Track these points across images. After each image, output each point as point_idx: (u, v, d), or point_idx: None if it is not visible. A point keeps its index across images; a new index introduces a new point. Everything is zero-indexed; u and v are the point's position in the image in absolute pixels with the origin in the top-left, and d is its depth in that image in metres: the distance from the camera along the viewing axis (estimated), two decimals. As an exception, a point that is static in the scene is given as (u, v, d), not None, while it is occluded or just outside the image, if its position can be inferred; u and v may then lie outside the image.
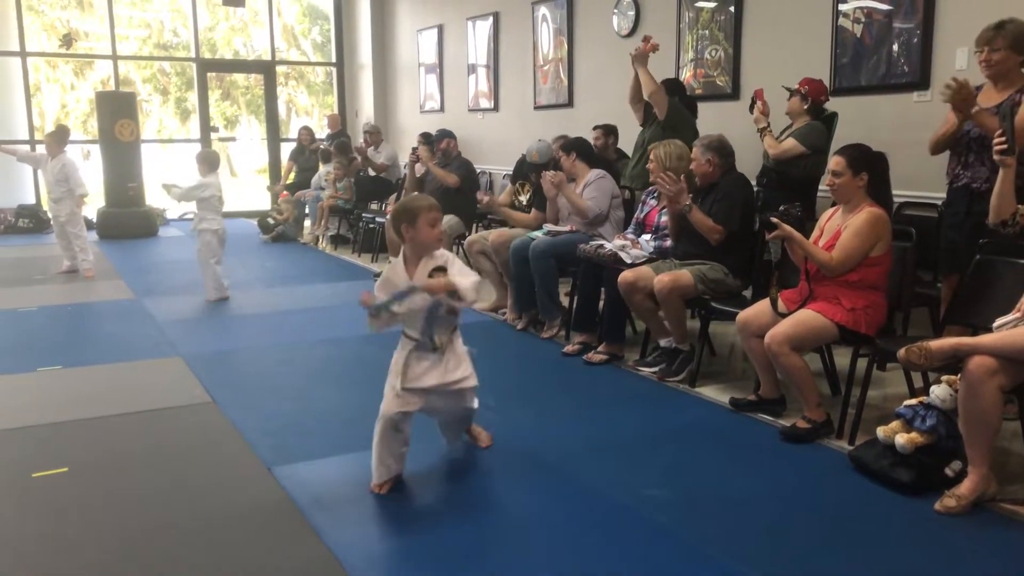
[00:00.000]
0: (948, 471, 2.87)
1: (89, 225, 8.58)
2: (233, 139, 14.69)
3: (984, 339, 2.72)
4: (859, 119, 4.95)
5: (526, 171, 5.93)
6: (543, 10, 8.05)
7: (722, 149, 4.22)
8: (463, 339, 2.98)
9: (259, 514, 2.75)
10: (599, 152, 5.97)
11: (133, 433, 3.54)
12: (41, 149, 7.40)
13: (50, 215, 7.56)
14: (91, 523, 2.70)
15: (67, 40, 11.05)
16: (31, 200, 10.62)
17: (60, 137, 7.21)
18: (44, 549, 2.54)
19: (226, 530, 2.65)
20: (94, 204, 9.64)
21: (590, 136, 6.20)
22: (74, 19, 12.72)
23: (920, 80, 4.74)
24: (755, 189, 4.91)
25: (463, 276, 2.81)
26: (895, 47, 4.87)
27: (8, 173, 10.55)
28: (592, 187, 5.07)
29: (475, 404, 3.11)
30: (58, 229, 7.33)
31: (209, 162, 6.15)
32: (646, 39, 5.28)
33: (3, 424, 3.61)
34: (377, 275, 7.19)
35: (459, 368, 2.89)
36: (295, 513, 2.74)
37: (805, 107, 4.70)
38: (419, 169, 7.30)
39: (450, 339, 2.90)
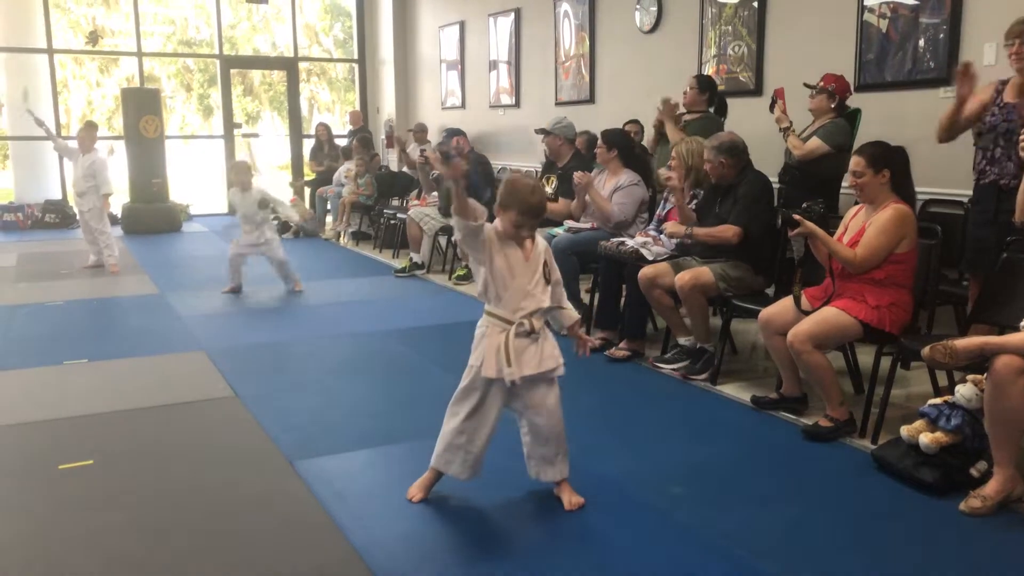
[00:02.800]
0: (973, 471, 2.84)
1: (114, 220, 8.68)
2: (256, 135, 14.79)
3: (1011, 338, 2.69)
4: (884, 116, 4.90)
5: (548, 163, 5.99)
6: (565, 6, 8.03)
7: (733, 149, 4.19)
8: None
9: (281, 508, 2.77)
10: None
11: (157, 426, 3.57)
12: (73, 143, 7.51)
13: (76, 210, 7.67)
14: (115, 515, 2.73)
15: (93, 37, 11.16)
16: (57, 196, 10.74)
17: (93, 133, 7.33)
18: (69, 541, 2.57)
19: (248, 524, 2.67)
20: (119, 199, 9.75)
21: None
22: (100, 16, 12.86)
23: (947, 76, 4.66)
24: (778, 186, 4.88)
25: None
26: (921, 42, 4.81)
27: (35, 169, 10.68)
28: (623, 192, 5.02)
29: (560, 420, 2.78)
30: (84, 224, 7.42)
31: (244, 173, 6.30)
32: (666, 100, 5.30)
33: (30, 416, 3.66)
34: (399, 271, 7.22)
35: (553, 354, 2.74)
36: (317, 507, 2.76)
37: (833, 104, 4.65)
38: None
39: (543, 323, 2.75)
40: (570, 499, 2.77)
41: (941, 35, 4.68)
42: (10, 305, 5.93)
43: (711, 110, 5.37)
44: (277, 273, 6.45)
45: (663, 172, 4.74)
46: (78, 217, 7.65)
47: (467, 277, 6.75)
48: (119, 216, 9.94)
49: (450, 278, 6.86)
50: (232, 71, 12.01)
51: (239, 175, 6.27)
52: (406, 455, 3.25)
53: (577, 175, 5.08)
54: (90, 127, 7.43)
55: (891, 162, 3.41)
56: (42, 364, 4.47)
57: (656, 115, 5.39)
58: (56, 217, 10.48)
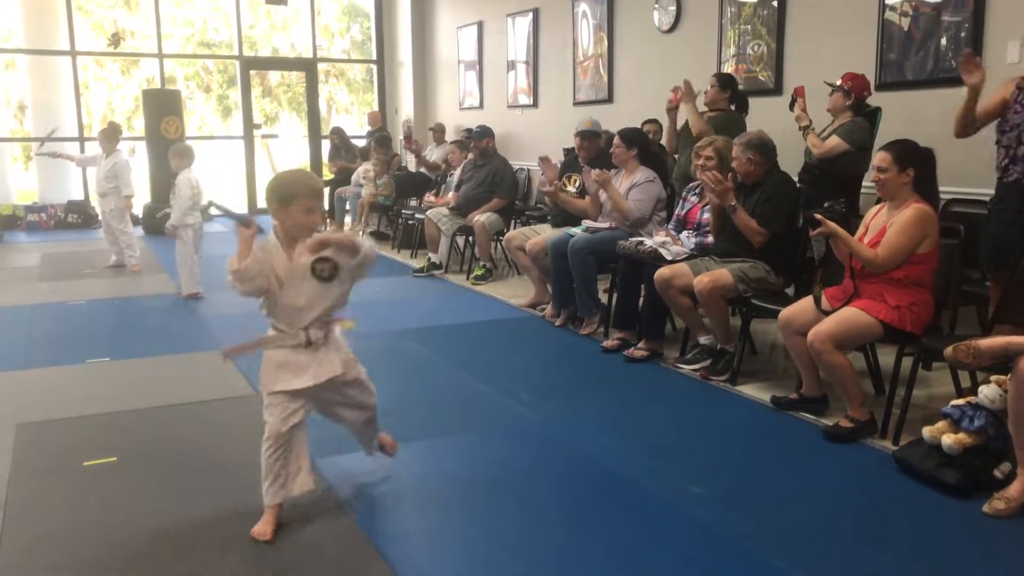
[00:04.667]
0: (997, 473, 2.82)
1: (135, 221, 8.75)
2: (275, 135, 14.87)
3: (1035, 338, 2.67)
4: (905, 115, 4.86)
5: (568, 162, 5.99)
6: (583, 6, 8.03)
7: (763, 147, 4.17)
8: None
9: (300, 505, 2.79)
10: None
11: (179, 424, 3.61)
12: (91, 148, 7.58)
13: (98, 210, 7.75)
14: (139, 511, 2.76)
15: (115, 39, 11.27)
16: (80, 196, 10.87)
17: (113, 134, 7.37)
18: (94, 536, 2.60)
19: (270, 520, 2.69)
20: (140, 200, 9.84)
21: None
22: (121, 18, 12.97)
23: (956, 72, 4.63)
24: (798, 186, 4.86)
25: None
26: (943, 41, 4.77)
27: (57, 170, 10.78)
28: (639, 189, 5.02)
29: (373, 399, 2.84)
30: (105, 224, 7.50)
31: (185, 156, 6.18)
32: (675, 90, 5.39)
33: (56, 414, 3.71)
34: (418, 271, 7.25)
35: (335, 361, 2.69)
36: (337, 503, 2.79)
37: (848, 103, 4.63)
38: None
39: (326, 333, 2.70)
40: (391, 443, 3.04)
41: (963, 33, 4.65)
42: (34, 304, 6.00)
43: (732, 108, 5.35)
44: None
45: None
46: (100, 217, 7.72)
47: (485, 277, 6.76)
48: (140, 216, 10.03)
49: (468, 278, 6.88)
50: (251, 72, 12.08)
51: (173, 157, 6.17)
52: (425, 453, 3.27)
53: (595, 173, 5.06)
54: (109, 129, 7.44)
55: (917, 162, 3.38)
56: (65, 363, 4.52)
57: (671, 100, 5.38)
58: (78, 217, 10.60)
